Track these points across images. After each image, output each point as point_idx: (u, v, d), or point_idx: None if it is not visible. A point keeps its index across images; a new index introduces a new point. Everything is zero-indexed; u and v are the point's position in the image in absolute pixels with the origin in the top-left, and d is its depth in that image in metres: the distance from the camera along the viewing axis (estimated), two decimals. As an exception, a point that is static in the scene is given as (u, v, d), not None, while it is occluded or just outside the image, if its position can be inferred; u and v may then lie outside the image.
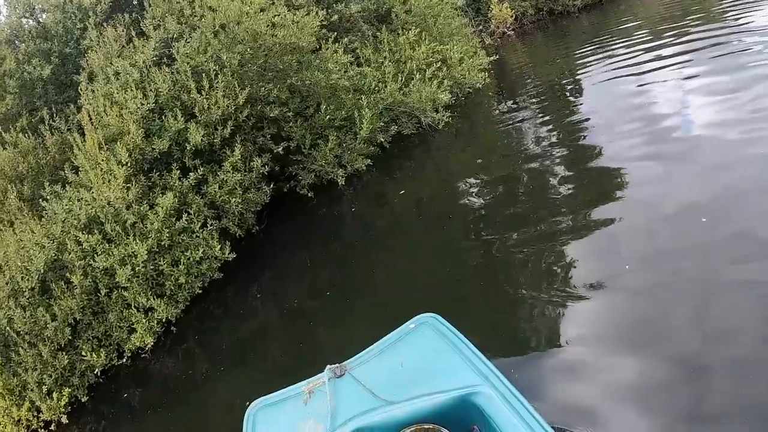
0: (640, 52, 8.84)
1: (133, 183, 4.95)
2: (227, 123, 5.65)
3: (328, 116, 6.53)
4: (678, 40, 8.73)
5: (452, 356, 2.23)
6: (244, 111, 5.80)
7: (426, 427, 2.00)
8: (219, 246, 5.09)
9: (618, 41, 10.41)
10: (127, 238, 4.80)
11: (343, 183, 6.49)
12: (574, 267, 3.84)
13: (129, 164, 5.10)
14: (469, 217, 5.35)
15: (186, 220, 4.99)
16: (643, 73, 7.66)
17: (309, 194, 6.56)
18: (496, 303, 3.88)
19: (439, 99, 7.10)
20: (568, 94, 8.32)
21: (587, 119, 6.69)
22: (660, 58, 8.10)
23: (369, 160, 6.64)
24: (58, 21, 7.62)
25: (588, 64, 9.36)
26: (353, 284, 4.91)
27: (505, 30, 15.56)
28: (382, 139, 6.91)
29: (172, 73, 5.74)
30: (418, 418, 2.03)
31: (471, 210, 5.48)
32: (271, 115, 6.10)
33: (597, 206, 4.47)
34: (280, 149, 6.22)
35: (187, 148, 5.39)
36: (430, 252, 4.95)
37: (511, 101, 8.97)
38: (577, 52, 10.75)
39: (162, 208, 4.77)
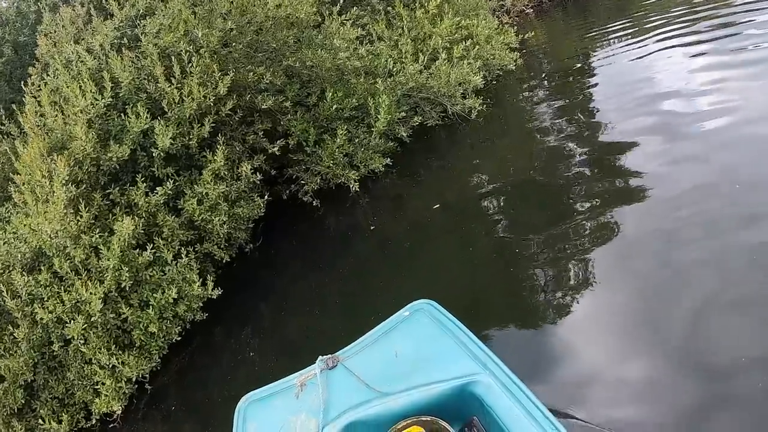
0: (672, 30, 7.80)
1: (83, 205, 3.73)
2: (205, 118, 4.40)
3: (335, 105, 5.30)
4: (712, 18, 7.66)
5: (449, 344, 2.16)
6: (228, 102, 4.56)
7: (423, 419, 1.92)
8: (199, 281, 3.90)
9: (647, 18, 9.28)
10: (79, 279, 3.65)
11: (356, 188, 5.30)
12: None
13: (80, 180, 3.91)
14: (516, 232, 4.27)
15: (153, 250, 3.79)
16: (675, 54, 6.80)
17: (314, 202, 5.39)
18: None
19: (470, 82, 5.82)
20: (594, 78, 7.34)
21: (613, 108, 5.99)
22: (695, 36, 7.19)
23: (388, 159, 5.41)
24: (11, 4, 6.48)
25: (613, 45, 8.45)
26: (371, 317, 3.92)
27: (523, 8, 14.36)
28: (403, 133, 5.66)
29: (137, 57, 4.52)
30: (414, 410, 1.98)
31: (514, 221, 4.51)
32: (263, 106, 4.88)
33: (627, 202, 4.15)
34: (275, 148, 5.00)
35: (155, 153, 4.17)
36: (470, 282, 3.94)
37: (538, 86, 7.93)
38: (601, 30, 9.79)
39: (119, 238, 3.56)
